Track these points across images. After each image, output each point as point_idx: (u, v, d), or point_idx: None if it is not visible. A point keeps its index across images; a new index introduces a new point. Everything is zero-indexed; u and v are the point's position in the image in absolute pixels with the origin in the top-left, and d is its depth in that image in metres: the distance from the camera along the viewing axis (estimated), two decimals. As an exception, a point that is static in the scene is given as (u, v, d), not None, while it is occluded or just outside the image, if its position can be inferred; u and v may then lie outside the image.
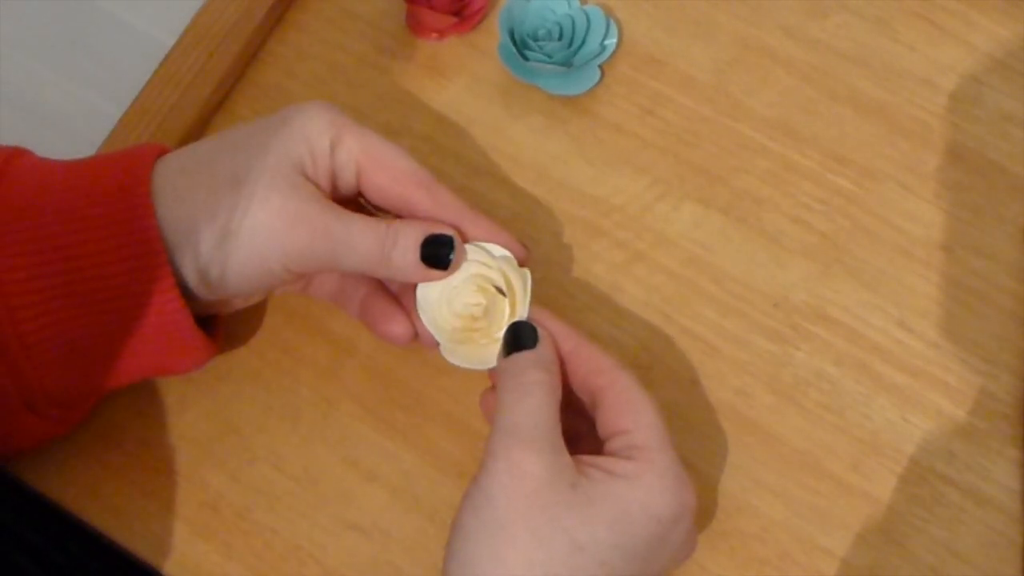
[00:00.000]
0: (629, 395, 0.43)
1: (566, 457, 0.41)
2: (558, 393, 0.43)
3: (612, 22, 0.55)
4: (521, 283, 0.45)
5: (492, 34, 0.55)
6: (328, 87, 0.55)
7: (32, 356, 0.41)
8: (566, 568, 0.39)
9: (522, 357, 0.43)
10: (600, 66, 0.54)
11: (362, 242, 0.43)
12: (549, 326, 0.45)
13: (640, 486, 0.40)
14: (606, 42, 0.54)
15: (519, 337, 0.44)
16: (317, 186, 0.44)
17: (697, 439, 0.48)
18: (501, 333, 0.44)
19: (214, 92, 0.54)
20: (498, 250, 0.45)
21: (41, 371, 0.41)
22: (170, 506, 0.47)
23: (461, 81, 0.55)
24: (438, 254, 0.44)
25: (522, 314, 0.45)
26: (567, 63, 0.54)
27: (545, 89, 0.54)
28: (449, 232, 0.44)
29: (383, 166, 0.44)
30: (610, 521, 0.40)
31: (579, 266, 0.51)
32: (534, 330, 0.44)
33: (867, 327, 0.49)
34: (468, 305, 0.45)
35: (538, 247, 0.51)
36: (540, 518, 0.39)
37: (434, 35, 0.56)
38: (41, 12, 0.56)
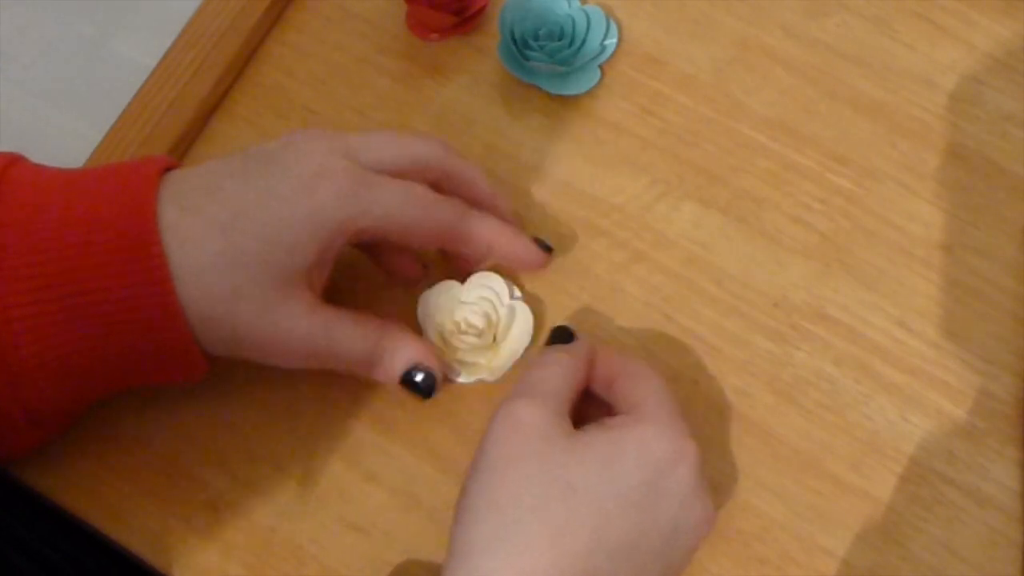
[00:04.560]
0: (636, 369, 0.44)
1: (567, 419, 0.42)
2: (578, 376, 0.44)
3: (612, 22, 0.55)
4: (524, 322, 0.48)
5: (492, 34, 0.55)
6: (328, 87, 0.55)
7: (35, 377, 0.40)
8: (560, 508, 0.39)
9: (553, 347, 0.46)
10: (600, 66, 0.54)
11: (349, 352, 0.45)
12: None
13: (635, 429, 0.41)
14: (606, 42, 0.54)
15: (558, 335, 0.47)
16: (316, 277, 0.43)
17: (697, 439, 0.48)
18: (469, 360, 0.48)
19: (212, 90, 0.54)
20: (516, 292, 0.49)
21: (43, 390, 0.41)
22: (170, 506, 0.47)
23: (461, 81, 0.55)
24: (419, 386, 0.46)
25: (511, 352, 0.48)
26: (567, 63, 0.54)
27: (545, 89, 0.54)
28: (433, 369, 0.45)
29: (401, 236, 0.45)
30: (603, 461, 0.40)
31: (579, 266, 0.51)
32: (572, 333, 0.47)
33: (867, 327, 0.49)
34: (466, 322, 0.47)
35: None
36: (532, 461, 0.40)
37: (434, 35, 0.56)
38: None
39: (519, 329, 0.48)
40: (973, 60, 0.54)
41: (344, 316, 0.44)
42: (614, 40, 0.55)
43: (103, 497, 0.48)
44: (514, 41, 0.54)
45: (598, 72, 0.54)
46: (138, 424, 0.49)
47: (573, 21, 0.55)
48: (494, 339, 0.48)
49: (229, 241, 0.41)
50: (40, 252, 0.40)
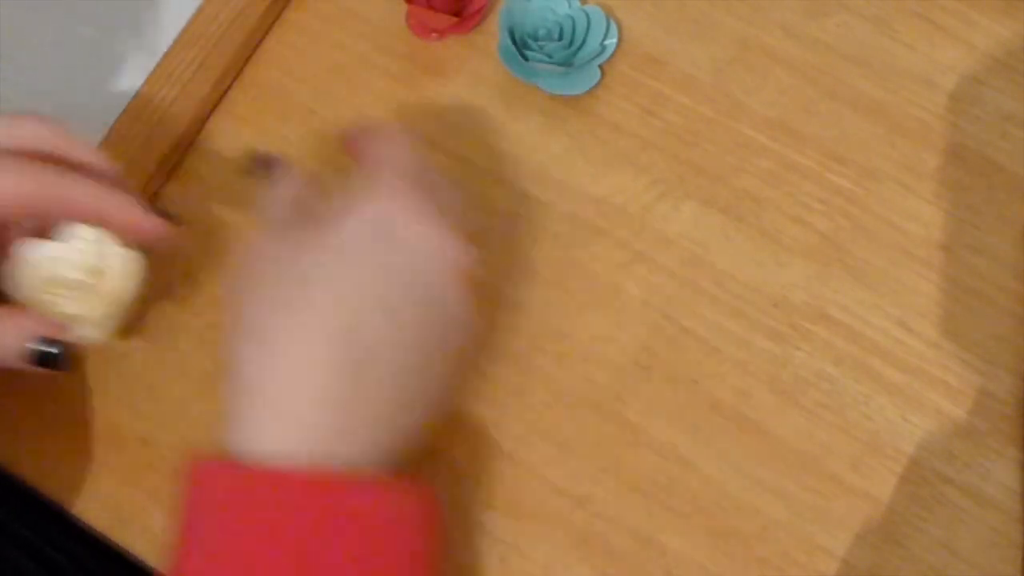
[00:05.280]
0: (374, 134, 0.46)
1: (297, 229, 0.43)
2: (299, 198, 0.45)
3: (612, 22, 0.55)
4: (121, 265, 0.45)
5: (492, 34, 0.55)
6: (328, 87, 0.55)
7: None
8: (289, 298, 0.40)
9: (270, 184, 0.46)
10: (600, 66, 0.54)
11: None
12: None
13: (351, 199, 0.42)
14: (606, 42, 0.54)
15: (261, 164, 0.48)
16: None
17: (697, 439, 0.48)
18: (71, 313, 0.45)
19: (212, 90, 0.54)
20: (114, 243, 0.45)
21: None
22: (170, 506, 0.47)
23: (461, 81, 0.55)
24: (55, 358, 0.44)
25: (113, 299, 0.45)
26: (567, 63, 0.54)
27: (545, 89, 0.54)
28: (58, 339, 0.44)
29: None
30: (319, 238, 0.41)
31: (579, 266, 0.51)
32: (273, 160, 0.48)
33: (867, 327, 0.49)
34: (57, 275, 0.44)
35: (538, 247, 0.51)
36: (262, 269, 0.42)
37: (434, 35, 0.56)
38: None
39: (117, 273, 0.45)
40: (973, 60, 0.54)
41: None
42: (614, 40, 0.55)
43: (104, 498, 0.48)
44: (514, 41, 0.54)
45: (598, 72, 0.54)
46: (139, 425, 0.49)
47: (573, 21, 0.55)
48: (94, 290, 0.45)
49: None
50: None
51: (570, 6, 0.55)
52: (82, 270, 0.44)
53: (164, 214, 0.46)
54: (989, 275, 0.50)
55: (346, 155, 0.46)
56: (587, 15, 0.55)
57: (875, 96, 0.54)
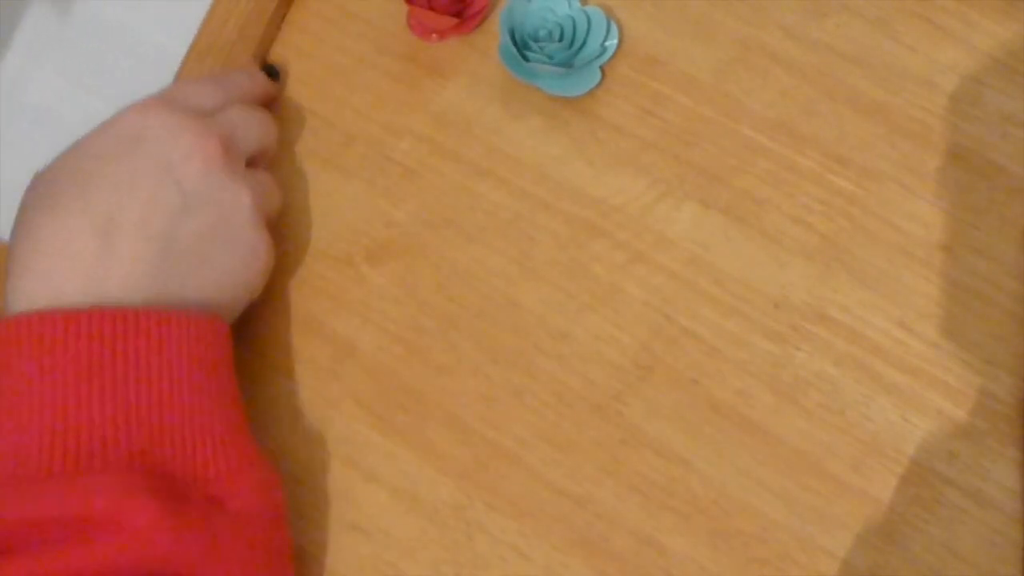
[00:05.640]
0: None
1: None
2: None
3: (613, 23, 0.55)
4: None
5: (493, 35, 0.55)
6: (328, 87, 0.55)
7: None
8: (45, 195, 0.45)
9: None
10: (601, 67, 0.54)
11: None
12: None
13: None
14: (607, 43, 0.54)
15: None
16: None
17: (697, 439, 0.48)
18: None
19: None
20: None
21: None
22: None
23: (461, 81, 0.55)
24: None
25: None
26: (568, 64, 0.54)
27: (545, 90, 0.54)
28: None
29: None
30: (73, 147, 0.46)
31: (579, 266, 0.51)
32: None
33: (867, 327, 0.49)
34: None
35: (538, 247, 0.51)
36: (33, 181, 0.46)
37: (434, 36, 0.56)
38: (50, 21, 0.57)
39: None
40: (973, 60, 0.54)
41: None
42: (614, 41, 0.55)
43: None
44: (514, 42, 0.54)
45: (598, 73, 0.54)
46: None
47: (573, 22, 0.55)
48: None
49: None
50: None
51: (570, 7, 0.55)
52: None
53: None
54: (989, 275, 0.50)
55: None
56: (587, 16, 0.55)
57: (875, 96, 0.54)
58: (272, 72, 0.55)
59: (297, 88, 0.55)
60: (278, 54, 0.56)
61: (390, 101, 0.55)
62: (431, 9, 0.54)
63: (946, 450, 0.47)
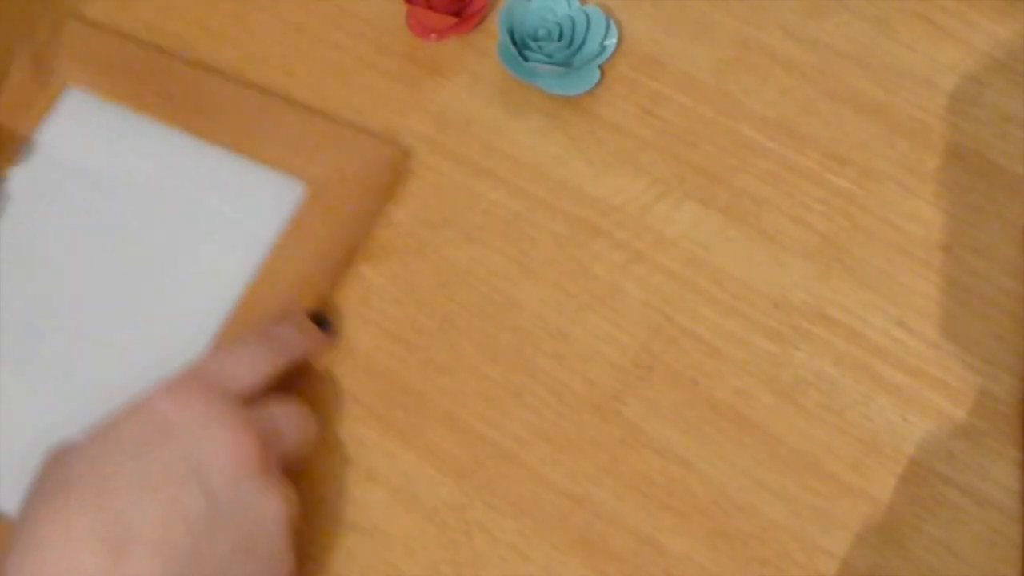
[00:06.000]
0: None
1: None
2: None
3: (612, 22, 0.55)
4: None
5: (492, 34, 0.55)
6: (328, 87, 0.55)
7: None
8: (60, 482, 0.40)
9: None
10: (600, 66, 0.54)
11: None
12: None
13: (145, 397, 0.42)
14: (606, 42, 0.54)
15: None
16: None
17: (697, 439, 0.48)
18: None
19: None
20: None
21: None
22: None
23: (461, 81, 0.55)
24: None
25: None
26: (567, 63, 0.54)
27: (545, 89, 0.54)
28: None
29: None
30: (101, 429, 0.41)
31: (579, 266, 0.51)
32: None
33: (867, 327, 0.49)
34: None
35: (538, 247, 0.51)
36: (49, 460, 0.41)
37: (434, 35, 0.56)
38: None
39: None
40: (973, 60, 0.54)
41: None
42: (614, 40, 0.55)
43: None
44: (514, 41, 0.54)
45: (598, 72, 0.54)
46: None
47: (573, 22, 0.55)
48: None
49: None
50: None
51: (570, 6, 0.55)
52: None
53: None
54: (989, 275, 0.50)
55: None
56: (587, 15, 0.55)
57: (875, 96, 0.54)
58: (323, 322, 0.50)
59: (297, 88, 0.55)
60: (278, 53, 0.56)
61: (390, 101, 0.55)
62: (430, 9, 0.54)
63: (946, 450, 0.47)
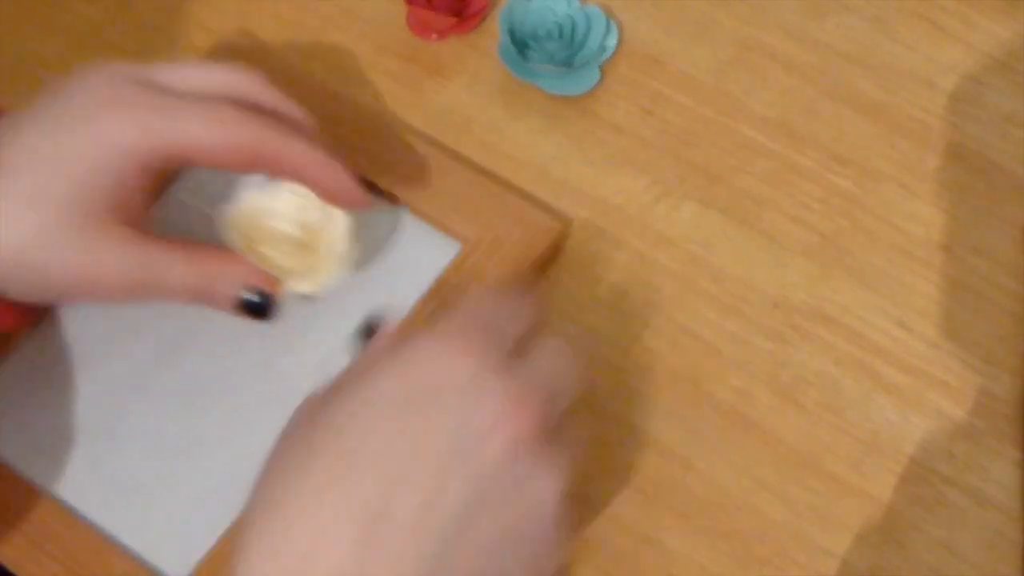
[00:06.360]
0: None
1: None
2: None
3: (612, 23, 0.55)
4: (335, 222, 0.46)
5: (492, 34, 0.55)
6: (328, 87, 0.55)
7: None
8: (314, 443, 0.35)
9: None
10: (600, 66, 0.54)
11: (174, 284, 0.44)
12: None
13: (394, 346, 0.37)
14: (606, 43, 0.55)
15: (368, 333, 0.42)
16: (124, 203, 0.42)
17: (697, 439, 0.48)
18: (287, 268, 0.46)
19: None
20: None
21: None
22: (170, 506, 0.47)
23: (461, 81, 0.55)
24: (256, 307, 0.45)
25: (326, 250, 0.46)
26: (567, 63, 0.54)
27: (545, 89, 0.54)
28: (267, 292, 0.45)
29: (207, 160, 0.43)
30: (359, 382, 0.36)
31: (579, 266, 0.51)
32: (374, 328, 0.42)
33: (867, 327, 0.49)
34: (277, 229, 0.46)
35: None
36: (301, 413, 0.37)
37: (434, 35, 0.56)
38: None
39: (330, 229, 0.46)
40: (973, 60, 0.54)
41: (166, 247, 0.43)
42: (614, 40, 0.55)
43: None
44: (514, 41, 0.54)
45: (598, 72, 0.54)
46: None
47: (573, 21, 0.55)
48: (311, 246, 0.46)
49: (25, 181, 0.40)
50: None
51: (570, 6, 0.55)
52: (297, 225, 0.46)
53: (364, 181, 0.46)
54: (989, 275, 0.50)
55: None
56: (587, 15, 0.55)
57: (875, 96, 0.54)
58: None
59: (297, 88, 0.55)
60: (278, 54, 0.56)
61: (390, 101, 0.55)
62: (431, 9, 0.55)
63: (946, 450, 0.47)
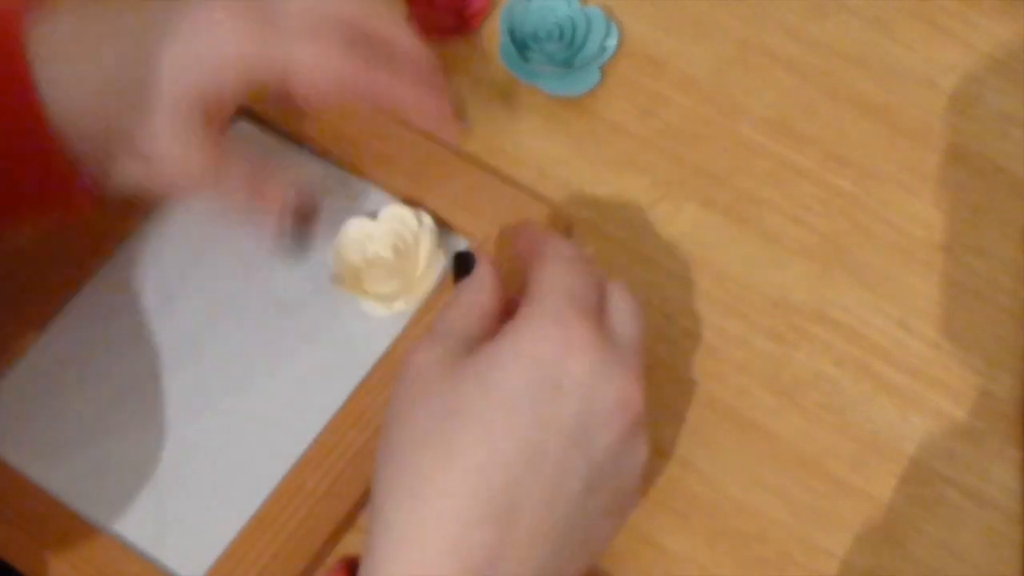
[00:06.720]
0: (541, 250, 0.41)
1: (464, 353, 0.38)
2: (484, 308, 0.40)
3: (612, 23, 0.55)
4: (430, 250, 0.49)
5: (493, 35, 0.55)
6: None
7: None
8: (438, 436, 0.36)
9: (457, 285, 0.42)
10: (600, 67, 0.54)
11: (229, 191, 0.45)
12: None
13: (509, 333, 0.37)
14: (606, 43, 0.55)
15: (462, 264, 0.42)
16: None
17: (697, 439, 0.48)
18: (384, 291, 0.49)
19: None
20: (428, 220, 0.50)
21: None
22: (170, 506, 0.47)
23: (461, 81, 0.55)
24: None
25: (419, 276, 0.49)
26: (567, 64, 0.54)
27: (545, 90, 0.54)
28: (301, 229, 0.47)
29: (305, 98, 0.44)
30: (479, 375, 0.37)
31: (579, 266, 0.51)
32: (473, 260, 0.42)
33: (867, 327, 0.49)
34: (377, 255, 0.49)
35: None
36: (417, 395, 0.38)
37: (434, 35, 0.56)
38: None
39: (426, 252, 0.49)
40: (973, 60, 0.54)
41: (232, 156, 0.45)
42: (614, 41, 0.55)
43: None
44: (514, 42, 0.54)
45: (598, 73, 0.54)
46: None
47: (573, 22, 0.55)
48: (407, 269, 0.49)
49: (115, 61, 0.41)
50: None
51: (570, 7, 0.55)
52: (395, 251, 0.49)
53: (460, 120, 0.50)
54: (989, 275, 0.50)
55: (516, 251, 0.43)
56: (587, 16, 0.55)
57: (875, 96, 0.54)
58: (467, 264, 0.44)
59: (297, 88, 0.55)
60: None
61: (390, 101, 0.55)
62: (431, 9, 0.55)
63: (946, 450, 0.47)
